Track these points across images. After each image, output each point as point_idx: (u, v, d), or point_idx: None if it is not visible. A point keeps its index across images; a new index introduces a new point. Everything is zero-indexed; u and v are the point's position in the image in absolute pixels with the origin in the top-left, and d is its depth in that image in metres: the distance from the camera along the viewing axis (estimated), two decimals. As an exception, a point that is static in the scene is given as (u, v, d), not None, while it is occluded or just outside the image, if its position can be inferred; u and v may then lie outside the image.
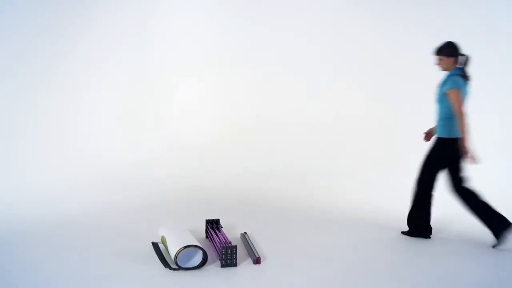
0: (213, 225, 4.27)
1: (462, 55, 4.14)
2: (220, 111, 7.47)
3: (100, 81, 6.92)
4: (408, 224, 4.39)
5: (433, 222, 4.35)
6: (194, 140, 7.12)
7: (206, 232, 4.30)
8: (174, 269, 3.54)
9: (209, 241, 4.20)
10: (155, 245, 3.95)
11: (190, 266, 3.57)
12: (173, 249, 3.62)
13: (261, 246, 4.09)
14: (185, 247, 3.55)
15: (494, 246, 4.06)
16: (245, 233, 4.30)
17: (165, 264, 3.62)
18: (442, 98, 4.12)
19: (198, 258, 3.63)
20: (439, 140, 4.20)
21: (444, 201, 4.43)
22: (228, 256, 3.63)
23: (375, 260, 3.83)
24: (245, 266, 3.66)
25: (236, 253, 3.64)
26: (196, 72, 7.56)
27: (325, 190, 4.80)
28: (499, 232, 4.00)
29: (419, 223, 4.31)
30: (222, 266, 3.62)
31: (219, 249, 3.75)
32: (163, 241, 3.88)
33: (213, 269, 3.59)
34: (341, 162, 6.33)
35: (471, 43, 5.51)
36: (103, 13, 6.89)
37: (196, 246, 3.59)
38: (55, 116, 6.44)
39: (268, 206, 5.24)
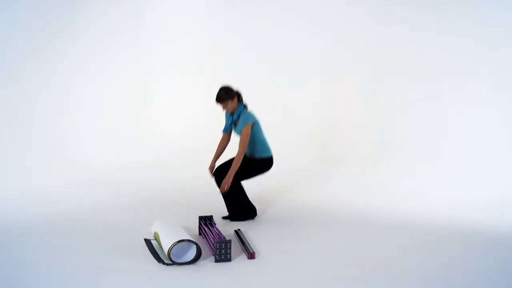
0: (206, 221, 4.21)
1: (237, 92, 4.62)
2: (215, 112, 7.41)
3: (96, 83, 6.90)
4: (229, 210, 4.71)
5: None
6: (190, 141, 7.08)
7: (199, 228, 4.22)
8: (167, 264, 3.48)
9: (203, 237, 4.13)
10: (147, 242, 3.87)
11: (184, 261, 3.51)
12: (166, 244, 3.55)
13: (255, 242, 4.04)
14: (179, 241, 3.48)
15: (224, 218, 4.68)
16: (239, 229, 4.23)
17: (158, 259, 3.54)
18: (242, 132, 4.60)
19: (192, 253, 3.57)
20: (248, 159, 4.62)
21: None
22: (222, 251, 3.57)
23: (370, 256, 3.79)
24: (239, 261, 3.61)
25: (231, 248, 3.58)
26: (191, 73, 7.54)
27: (320, 187, 4.78)
28: (238, 218, 4.64)
29: (242, 209, 4.65)
30: (216, 261, 3.57)
31: (213, 244, 3.68)
32: (156, 237, 3.81)
33: (207, 264, 3.53)
34: (337, 161, 6.30)
35: (469, 42, 5.55)
36: (98, 15, 6.87)
37: (189, 240, 3.52)
38: (53, 116, 6.40)
39: (262, 204, 5.17)
